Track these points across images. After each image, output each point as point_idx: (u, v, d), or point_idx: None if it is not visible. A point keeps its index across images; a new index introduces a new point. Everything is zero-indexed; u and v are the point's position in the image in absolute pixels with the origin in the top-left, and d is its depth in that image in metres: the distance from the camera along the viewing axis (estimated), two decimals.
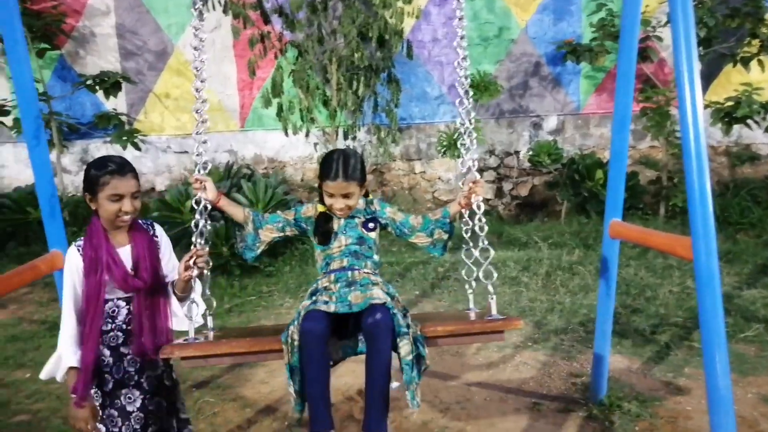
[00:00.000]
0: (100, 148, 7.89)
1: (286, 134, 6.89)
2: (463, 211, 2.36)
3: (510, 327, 2.24)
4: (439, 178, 8.09)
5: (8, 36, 2.67)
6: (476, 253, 2.32)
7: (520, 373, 3.86)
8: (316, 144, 7.29)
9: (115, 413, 2.21)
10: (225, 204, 2.36)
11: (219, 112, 7.72)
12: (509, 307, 4.93)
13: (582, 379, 3.69)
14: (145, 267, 2.20)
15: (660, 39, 7.00)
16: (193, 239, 2.24)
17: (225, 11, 6.52)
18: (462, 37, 2.43)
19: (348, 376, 3.91)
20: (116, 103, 7.54)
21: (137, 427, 2.21)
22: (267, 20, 6.71)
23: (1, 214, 6.85)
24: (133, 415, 2.22)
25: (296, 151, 8.01)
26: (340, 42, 6.70)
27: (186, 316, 2.23)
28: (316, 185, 2.37)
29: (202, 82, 2.39)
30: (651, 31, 6.91)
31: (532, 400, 3.51)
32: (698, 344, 4.11)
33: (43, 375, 2.18)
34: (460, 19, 2.42)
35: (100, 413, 2.20)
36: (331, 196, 2.24)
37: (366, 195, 2.39)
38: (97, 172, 2.11)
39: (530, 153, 7.67)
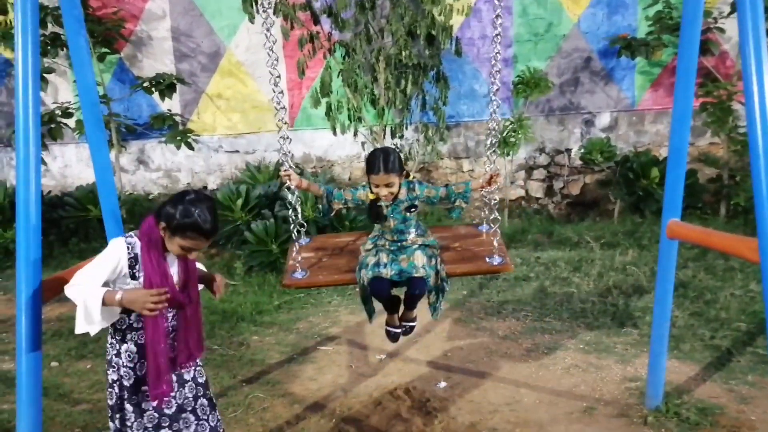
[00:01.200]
0: (155, 147, 8.15)
1: (335, 133, 6.93)
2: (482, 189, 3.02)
3: (503, 270, 2.96)
4: None
5: (73, 42, 2.78)
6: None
7: (572, 376, 3.76)
8: (363, 143, 7.31)
9: (130, 408, 2.24)
10: (305, 185, 3.01)
11: (269, 112, 7.83)
12: (560, 307, 4.82)
13: (637, 384, 3.57)
14: (193, 285, 2.33)
15: (722, 31, 6.70)
16: (290, 213, 3.11)
17: (275, 12, 6.62)
18: (497, 54, 3.09)
19: (395, 375, 3.91)
20: (171, 104, 7.76)
21: (149, 425, 2.24)
22: (316, 20, 6.77)
23: (65, 212, 7.16)
24: (147, 413, 2.25)
25: (344, 150, 8.05)
26: (388, 40, 6.70)
27: None
28: (366, 178, 2.93)
29: (280, 94, 2.94)
30: (712, 22, 6.61)
31: (584, 404, 3.42)
32: (763, 350, 3.91)
33: (79, 329, 2.13)
34: (497, 36, 3.01)
35: (117, 404, 2.26)
36: (377, 186, 2.79)
37: (407, 176, 2.92)
38: (188, 223, 2.12)
39: (582, 150, 7.48)
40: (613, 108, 7.76)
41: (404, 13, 6.40)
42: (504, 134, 6.82)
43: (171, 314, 2.29)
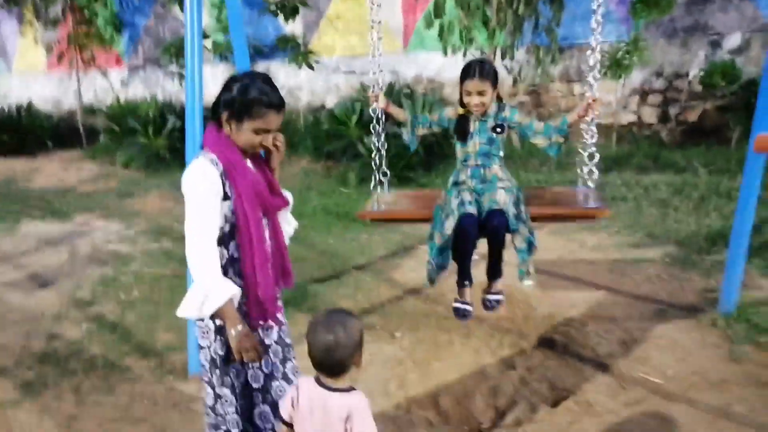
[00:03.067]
0: (279, 68, 8.85)
1: (445, 54, 7.17)
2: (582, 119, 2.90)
3: (599, 215, 2.80)
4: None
5: None
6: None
7: (652, 284, 4.00)
8: None
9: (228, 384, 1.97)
10: (392, 109, 3.19)
11: (384, 34, 8.15)
12: (652, 224, 4.96)
13: (715, 294, 3.74)
14: (278, 185, 2.02)
15: None
16: (373, 139, 3.24)
17: None
18: None
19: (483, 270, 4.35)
20: (294, 27, 8.35)
21: (276, 360, 2.02)
22: None
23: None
24: (272, 348, 2.01)
25: (454, 71, 8.14)
26: None
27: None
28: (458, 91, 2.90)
29: (378, 6, 3.25)
30: None
31: (659, 307, 3.68)
32: None
33: (182, 312, 1.83)
34: None
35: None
36: (469, 94, 2.78)
37: (499, 100, 2.90)
38: (256, 99, 1.85)
39: (701, 74, 7.15)
40: (746, 28, 7.26)
41: None
42: (617, 56, 6.72)
43: (267, 234, 1.96)
